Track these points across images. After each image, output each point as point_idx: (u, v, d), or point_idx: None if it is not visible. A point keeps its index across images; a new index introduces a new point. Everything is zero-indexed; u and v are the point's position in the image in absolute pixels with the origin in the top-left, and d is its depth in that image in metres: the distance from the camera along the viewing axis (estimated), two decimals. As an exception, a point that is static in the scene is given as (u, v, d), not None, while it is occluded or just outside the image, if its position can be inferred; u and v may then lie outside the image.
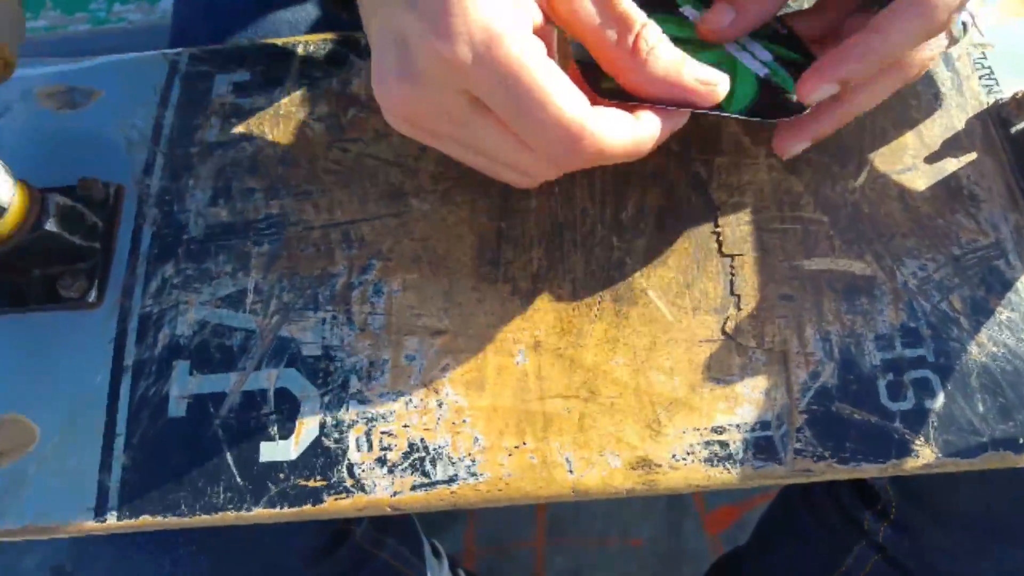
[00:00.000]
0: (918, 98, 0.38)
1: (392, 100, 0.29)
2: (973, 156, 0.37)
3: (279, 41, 0.44)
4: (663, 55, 0.29)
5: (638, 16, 0.29)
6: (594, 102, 0.29)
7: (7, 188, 0.33)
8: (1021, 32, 0.40)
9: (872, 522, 0.47)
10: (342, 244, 0.37)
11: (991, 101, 0.38)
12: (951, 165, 0.37)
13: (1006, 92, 0.38)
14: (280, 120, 0.41)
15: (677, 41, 0.30)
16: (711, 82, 0.30)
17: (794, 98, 0.33)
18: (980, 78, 0.39)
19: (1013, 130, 0.36)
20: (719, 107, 0.31)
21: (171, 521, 0.32)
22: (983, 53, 0.40)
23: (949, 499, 0.41)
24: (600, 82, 0.31)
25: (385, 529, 0.54)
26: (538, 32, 0.29)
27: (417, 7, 0.26)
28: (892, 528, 0.45)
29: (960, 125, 0.37)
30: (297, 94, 0.42)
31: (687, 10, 0.35)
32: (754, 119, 0.32)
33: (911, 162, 0.37)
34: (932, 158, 0.37)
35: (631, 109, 0.30)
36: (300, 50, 0.43)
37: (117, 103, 0.42)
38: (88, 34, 0.78)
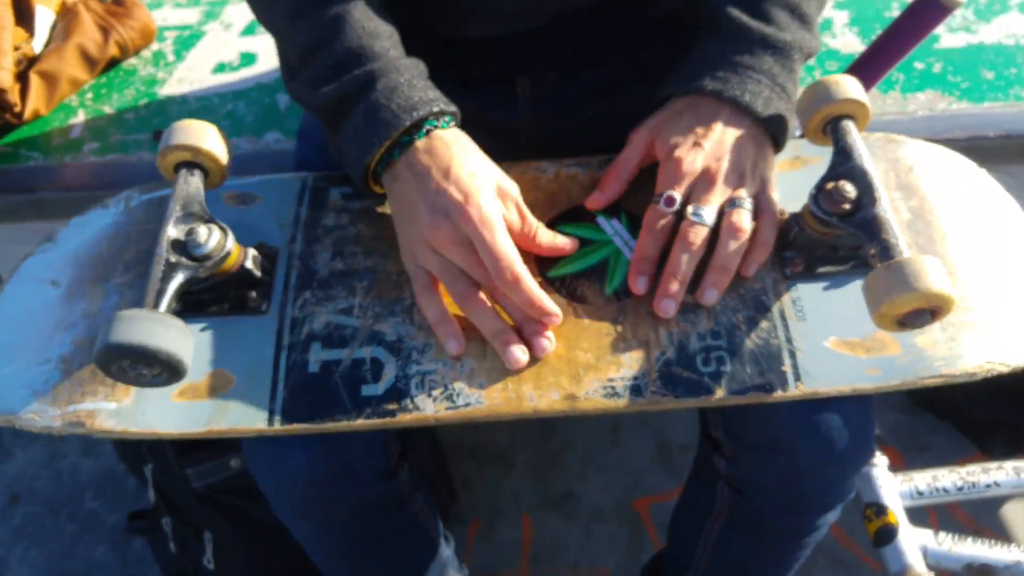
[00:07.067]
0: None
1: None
2: None
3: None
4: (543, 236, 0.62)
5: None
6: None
7: (231, 243, 0.61)
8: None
9: (718, 461, 0.72)
10: (408, 283, 0.65)
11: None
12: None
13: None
14: (372, 216, 0.70)
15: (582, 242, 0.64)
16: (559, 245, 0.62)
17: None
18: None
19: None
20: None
21: (311, 427, 0.59)
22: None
23: (747, 432, 0.68)
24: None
25: (417, 486, 0.79)
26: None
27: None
28: (727, 462, 0.71)
29: None
30: (383, 206, 0.70)
31: (600, 219, 0.66)
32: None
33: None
34: None
35: None
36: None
37: (271, 203, 0.71)
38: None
